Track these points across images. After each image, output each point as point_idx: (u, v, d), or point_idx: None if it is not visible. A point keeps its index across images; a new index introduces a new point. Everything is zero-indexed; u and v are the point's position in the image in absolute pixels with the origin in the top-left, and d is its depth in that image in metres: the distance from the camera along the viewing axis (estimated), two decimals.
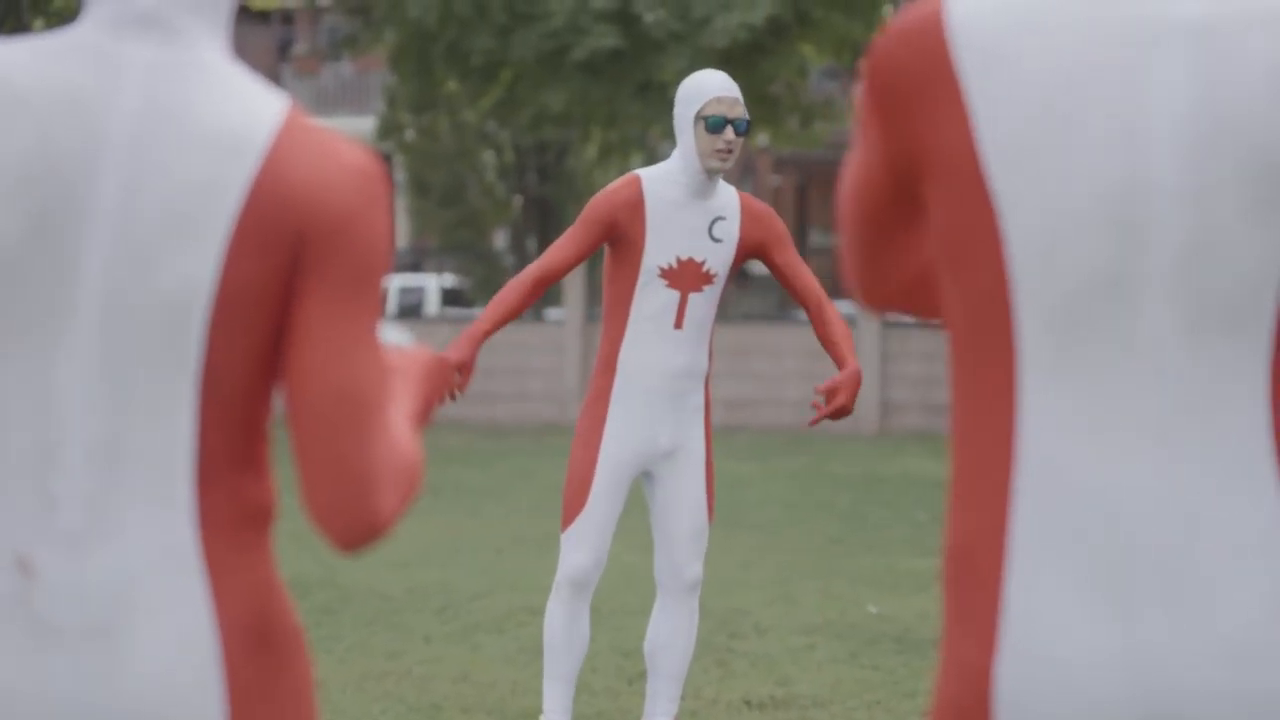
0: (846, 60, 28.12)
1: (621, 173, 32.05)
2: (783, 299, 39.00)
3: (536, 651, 8.68)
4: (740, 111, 6.37)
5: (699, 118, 6.33)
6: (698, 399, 6.46)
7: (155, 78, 2.16)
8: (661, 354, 6.38)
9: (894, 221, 2.29)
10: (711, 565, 11.64)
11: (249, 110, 2.14)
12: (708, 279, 6.39)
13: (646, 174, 6.41)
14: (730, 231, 6.44)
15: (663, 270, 6.35)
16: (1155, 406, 2.16)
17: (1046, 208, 2.15)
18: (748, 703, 7.63)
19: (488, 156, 31.00)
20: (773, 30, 26.61)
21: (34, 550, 2.15)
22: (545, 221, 30.83)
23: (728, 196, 6.48)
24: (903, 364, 23.74)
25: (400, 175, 37.22)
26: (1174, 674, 2.12)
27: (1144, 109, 2.14)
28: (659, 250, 6.36)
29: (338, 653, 8.58)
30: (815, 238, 43.74)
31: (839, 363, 6.46)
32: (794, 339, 24.19)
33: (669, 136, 27.87)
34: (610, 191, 6.37)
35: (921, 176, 2.21)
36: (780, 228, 6.53)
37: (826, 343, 6.52)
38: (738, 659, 8.56)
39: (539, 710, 7.34)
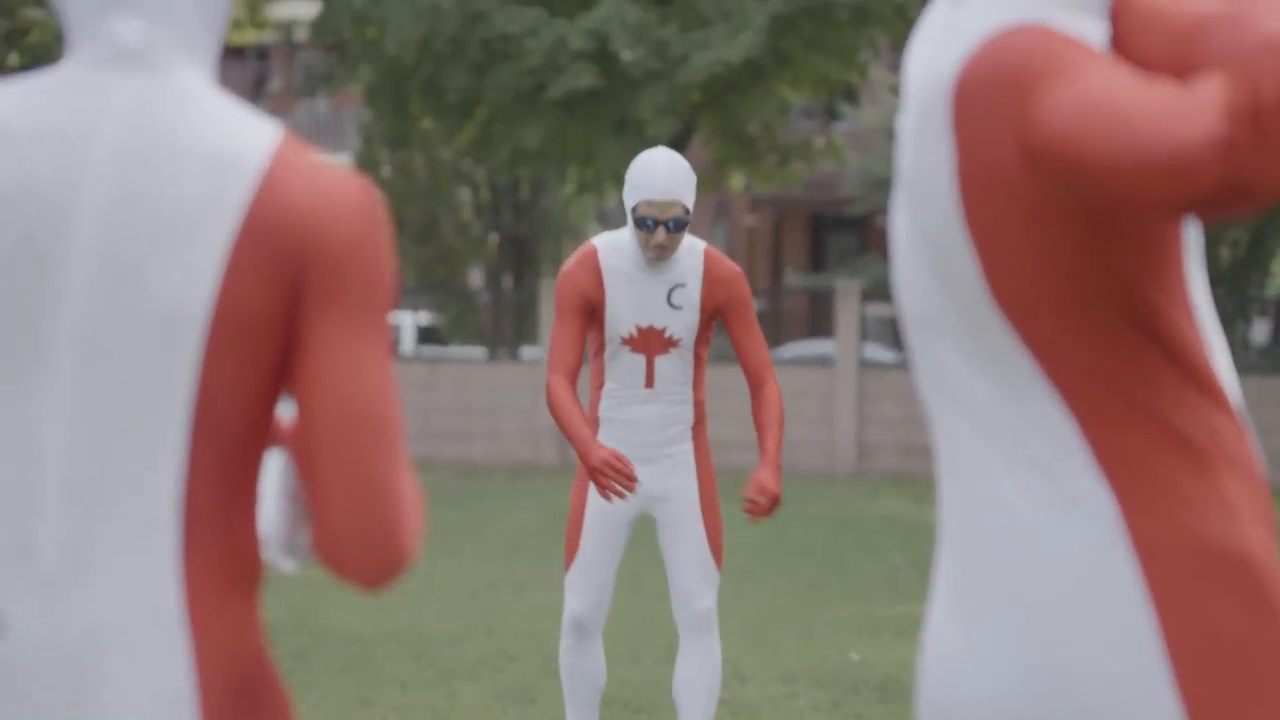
0: (823, 99, 28.08)
1: (597, 209, 32.01)
2: (766, 339, 38.91)
3: (514, 698, 8.55)
4: (675, 212, 6.31)
5: (633, 213, 6.35)
6: (683, 448, 6.54)
7: (139, 106, 2.07)
8: (637, 412, 6.50)
9: None
10: None
11: (242, 133, 2.06)
12: (671, 343, 6.47)
13: (601, 244, 6.48)
14: (690, 298, 6.45)
15: (624, 339, 6.44)
16: (982, 440, 2.22)
17: None
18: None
19: (463, 194, 30.91)
20: (750, 70, 26.57)
21: (11, 599, 2.03)
22: (520, 259, 30.73)
23: (690, 260, 6.48)
24: (880, 405, 23.64)
25: None
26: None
27: None
28: (619, 320, 6.43)
29: (311, 700, 8.43)
30: (791, 278, 43.69)
31: (760, 446, 6.53)
32: None
33: None
34: (571, 270, 6.45)
35: None
36: (741, 293, 6.51)
37: (756, 422, 6.59)
38: (720, 706, 8.43)
39: None
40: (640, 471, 6.51)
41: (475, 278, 34.01)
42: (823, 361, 24.91)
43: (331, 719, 7.97)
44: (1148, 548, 2.11)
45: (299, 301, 2.04)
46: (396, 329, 31.66)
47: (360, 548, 2.02)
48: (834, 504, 19.53)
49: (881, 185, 40.54)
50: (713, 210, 45.55)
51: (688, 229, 6.44)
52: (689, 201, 6.35)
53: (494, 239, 30.89)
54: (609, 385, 6.50)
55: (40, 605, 2.03)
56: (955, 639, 2.20)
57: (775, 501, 6.35)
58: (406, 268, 31.30)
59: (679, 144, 27.43)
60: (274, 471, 2.17)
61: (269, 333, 2.04)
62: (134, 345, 2.03)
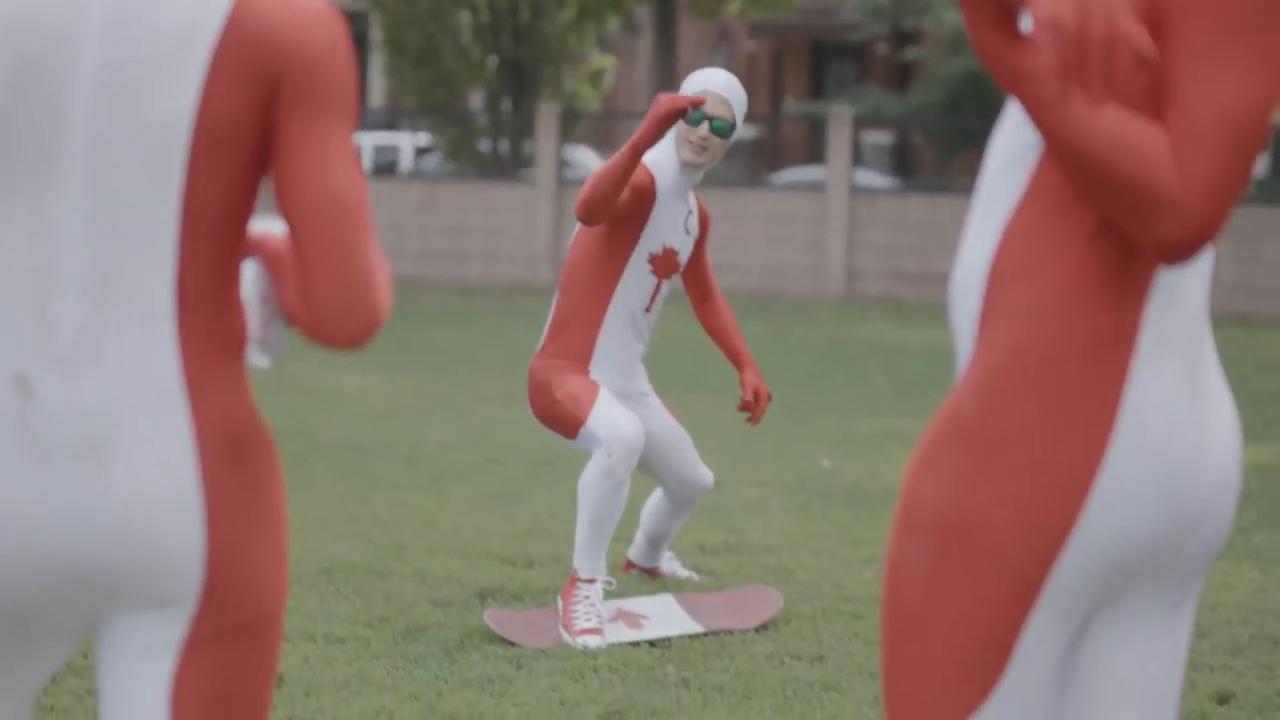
0: None
1: (597, 35, 32.07)
2: (754, 165, 39.10)
3: (500, 498, 9.02)
4: (724, 112, 6.49)
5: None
6: (643, 373, 6.82)
7: None
8: (632, 340, 6.66)
9: None
10: None
11: None
12: (677, 268, 6.70)
13: (652, 162, 6.54)
14: (693, 225, 6.75)
15: (651, 256, 6.60)
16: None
17: None
18: (701, 548, 7.98)
19: (463, 17, 31.02)
20: None
21: (33, 370, 2.43)
22: (520, 84, 30.92)
23: (691, 192, 6.76)
24: (870, 231, 24.00)
25: (376, 34, 37.16)
26: (1219, 476, 2.50)
27: None
28: (653, 235, 6.59)
29: (308, 497, 8.90)
30: (790, 105, 43.80)
31: (733, 351, 6.94)
32: (762, 204, 24.43)
33: (642, 1, 27.91)
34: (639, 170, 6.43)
35: None
36: (707, 224, 6.90)
37: (718, 329, 6.98)
38: (694, 510, 8.89)
39: (500, 551, 7.68)
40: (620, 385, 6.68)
41: (475, 101, 34.20)
42: (816, 187, 25.24)
43: (326, 515, 8.45)
44: None
45: (274, 106, 2.41)
46: (395, 150, 31.91)
47: (343, 314, 2.40)
48: (821, 327, 19.95)
49: (881, 13, 40.56)
50: (713, 37, 45.59)
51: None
52: (738, 117, 6.55)
53: (493, 63, 31.07)
54: (615, 307, 6.58)
55: (60, 376, 2.42)
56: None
57: (769, 399, 6.82)
58: (406, 91, 31.49)
59: None
60: (247, 279, 2.57)
61: (247, 134, 2.41)
62: (131, 151, 2.39)
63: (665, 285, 6.67)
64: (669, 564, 7.27)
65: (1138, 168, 2.34)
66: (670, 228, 6.60)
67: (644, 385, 6.78)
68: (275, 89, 2.41)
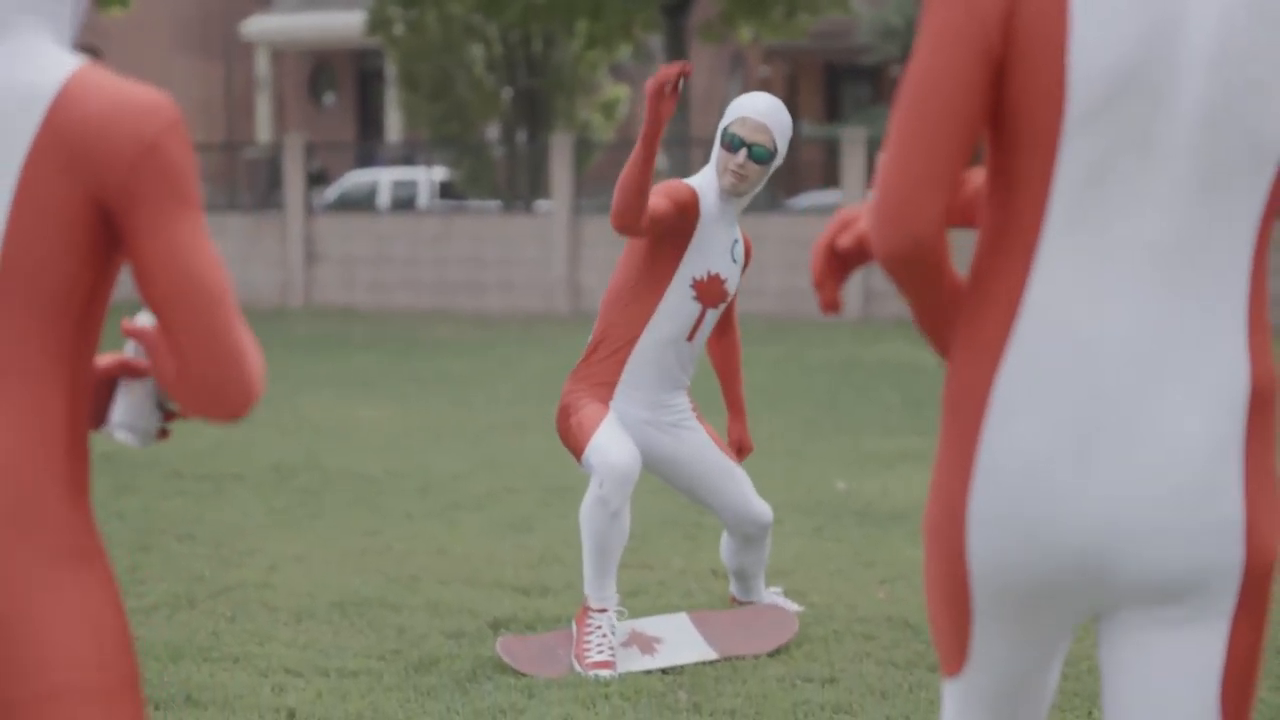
0: None
1: (609, 64, 32.14)
2: (772, 190, 39.12)
3: (511, 526, 9.02)
4: (763, 139, 6.34)
5: (723, 131, 6.38)
6: (683, 400, 6.67)
7: None
8: (671, 368, 6.54)
9: (971, 116, 2.53)
10: None
11: (44, 68, 2.49)
12: (725, 297, 6.54)
13: (697, 185, 6.43)
14: (740, 255, 6.60)
15: (695, 281, 6.46)
16: (1161, 256, 2.53)
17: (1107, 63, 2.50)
18: (714, 572, 7.97)
19: (476, 49, 31.10)
20: None
21: None
22: (534, 113, 31.00)
23: (737, 222, 6.64)
24: None
25: (391, 70, 37.29)
26: (1120, 515, 2.56)
27: None
28: (696, 259, 6.45)
29: (320, 530, 8.91)
30: (805, 129, 43.85)
31: (731, 400, 6.90)
32: (778, 228, 24.45)
33: (652, 28, 27.98)
34: (673, 187, 6.28)
35: (1009, 42, 2.51)
36: (750, 257, 6.75)
37: (724, 370, 6.90)
38: (706, 533, 8.90)
39: (513, 580, 7.68)
40: (650, 436, 6.58)
41: (490, 132, 34.29)
42: (833, 210, 25.26)
43: (340, 547, 8.45)
44: None
45: (107, 199, 2.45)
46: (413, 185, 31.99)
47: (219, 392, 2.48)
48: (837, 348, 19.95)
49: (894, 35, 40.61)
50: (728, 63, 45.65)
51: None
52: (779, 144, 6.39)
53: (507, 94, 31.13)
54: (652, 331, 6.46)
55: None
56: None
57: (749, 453, 6.88)
58: (421, 124, 31.56)
59: None
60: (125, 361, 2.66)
61: (74, 220, 2.46)
62: None
63: (711, 314, 6.53)
64: (773, 598, 7.17)
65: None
66: (716, 253, 6.48)
67: (680, 417, 6.63)
68: (99, 181, 2.46)
